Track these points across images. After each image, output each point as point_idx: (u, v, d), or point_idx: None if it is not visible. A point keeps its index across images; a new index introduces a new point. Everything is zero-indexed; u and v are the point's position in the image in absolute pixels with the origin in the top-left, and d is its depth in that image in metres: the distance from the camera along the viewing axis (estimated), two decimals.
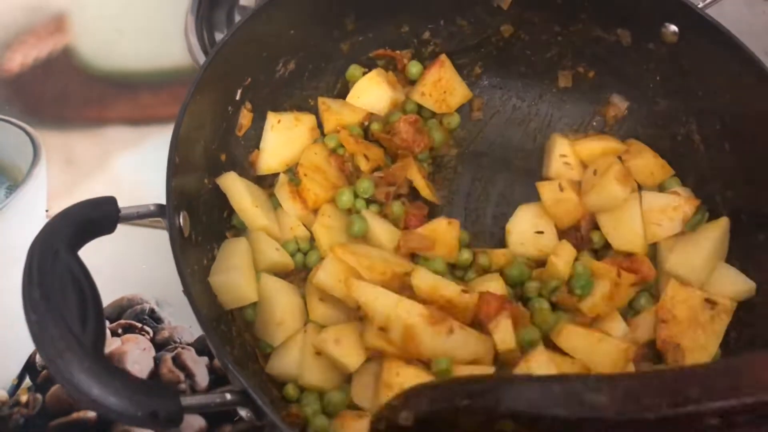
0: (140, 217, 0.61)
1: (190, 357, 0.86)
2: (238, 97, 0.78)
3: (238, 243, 0.74)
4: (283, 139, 0.83)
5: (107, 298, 0.89)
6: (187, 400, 0.53)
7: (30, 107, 1.04)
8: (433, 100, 0.88)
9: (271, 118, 0.83)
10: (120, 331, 0.88)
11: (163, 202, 0.63)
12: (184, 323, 0.88)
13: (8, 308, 0.87)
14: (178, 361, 0.86)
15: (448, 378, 0.65)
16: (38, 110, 1.04)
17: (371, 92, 0.88)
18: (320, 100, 0.88)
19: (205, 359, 0.86)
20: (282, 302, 0.72)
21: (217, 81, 0.73)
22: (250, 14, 0.74)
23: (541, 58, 0.92)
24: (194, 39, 1.11)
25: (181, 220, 0.64)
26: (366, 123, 0.87)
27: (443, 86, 0.89)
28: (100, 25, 1.14)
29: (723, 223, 0.80)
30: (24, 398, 0.83)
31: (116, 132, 1.03)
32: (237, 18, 1.13)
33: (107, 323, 0.88)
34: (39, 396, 0.83)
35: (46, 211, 0.96)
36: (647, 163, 0.86)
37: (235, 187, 0.75)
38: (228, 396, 0.55)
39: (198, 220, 0.70)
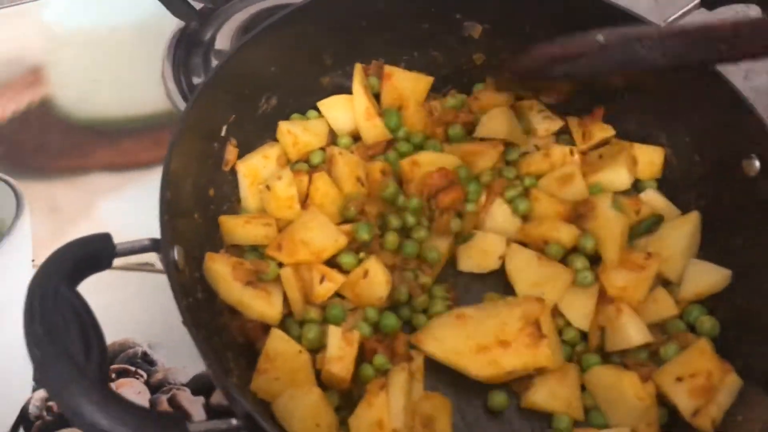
0: (135, 252, 0.62)
1: (185, 397, 0.86)
2: (223, 134, 0.80)
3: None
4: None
5: None
6: (194, 427, 0.53)
7: (11, 159, 1.05)
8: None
9: (243, 167, 0.84)
10: (113, 375, 0.87)
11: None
12: (177, 364, 0.88)
13: (0, 358, 0.88)
14: (173, 403, 0.85)
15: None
16: (19, 161, 1.04)
17: (340, 108, 0.90)
18: (280, 124, 0.88)
19: (201, 399, 0.85)
20: None
21: (203, 119, 0.75)
22: (231, 54, 0.76)
23: None
24: (172, 84, 1.13)
25: (175, 254, 0.65)
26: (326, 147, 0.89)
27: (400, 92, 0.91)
28: (76, 75, 1.15)
29: (694, 218, 0.83)
30: None
31: (99, 179, 1.03)
32: (213, 62, 1.15)
33: None
34: None
35: (33, 260, 0.95)
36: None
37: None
38: (233, 422, 0.56)
39: (191, 255, 0.71)
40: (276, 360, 0.72)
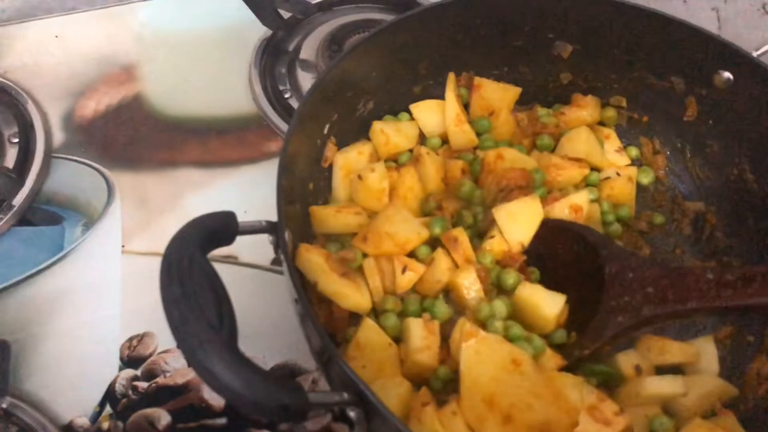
0: (254, 231, 0.65)
1: None
2: (325, 132, 0.84)
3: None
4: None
5: None
6: (313, 396, 0.55)
7: (104, 150, 1.09)
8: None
9: (339, 159, 0.87)
10: None
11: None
12: (257, 353, 0.90)
13: (90, 338, 0.91)
14: None
15: None
16: (112, 153, 1.09)
17: (431, 112, 0.93)
18: (374, 124, 0.91)
19: None
20: None
21: (312, 116, 0.79)
22: (343, 55, 0.80)
23: None
24: (258, 89, 1.17)
25: (287, 237, 0.68)
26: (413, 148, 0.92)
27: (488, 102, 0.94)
28: (167, 75, 1.20)
29: None
30: (105, 425, 0.84)
31: (186, 173, 1.08)
32: (298, 71, 1.20)
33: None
34: (120, 424, 0.84)
35: (122, 246, 0.99)
36: None
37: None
38: (345, 395, 0.58)
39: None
40: (365, 349, 0.74)
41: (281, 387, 0.53)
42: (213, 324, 0.53)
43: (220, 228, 0.61)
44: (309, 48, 1.22)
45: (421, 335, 0.74)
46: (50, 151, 1.08)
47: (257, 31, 1.23)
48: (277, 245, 0.68)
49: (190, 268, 0.55)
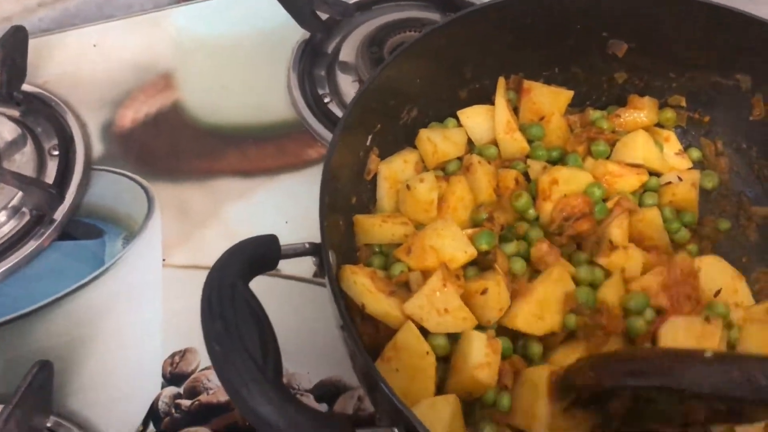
0: (297, 254, 0.62)
1: (309, 404, 0.86)
2: (368, 143, 0.80)
3: None
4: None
5: None
6: None
7: (143, 161, 1.08)
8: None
9: (384, 169, 0.83)
10: None
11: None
12: (301, 370, 0.88)
13: (132, 354, 0.90)
14: None
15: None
16: (151, 163, 1.07)
17: (480, 118, 0.89)
18: (420, 132, 0.86)
19: (324, 405, 0.85)
20: None
21: (355, 128, 0.75)
22: (386, 63, 0.76)
23: None
24: (297, 94, 1.14)
25: (332, 258, 0.65)
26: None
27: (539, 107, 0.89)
28: (205, 81, 1.18)
29: None
30: None
31: (226, 183, 1.05)
32: (337, 74, 1.16)
33: None
34: None
35: (163, 260, 0.97)
36: None
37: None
38: (395, 430, 0.55)
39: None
40: (402, 351, 0.69)
41: (330, 426, 0.50)
42: (257, 360, 0.50)
43: (262, 254, 0.59)
44: (348, 49, 1.19)
45: (483, 351, 0.70)
46: (90, 163, 1.07)
47: (295, 33, 1.21)
48: (321, 268, 0.64)
49: (232, 300, 0.52)
